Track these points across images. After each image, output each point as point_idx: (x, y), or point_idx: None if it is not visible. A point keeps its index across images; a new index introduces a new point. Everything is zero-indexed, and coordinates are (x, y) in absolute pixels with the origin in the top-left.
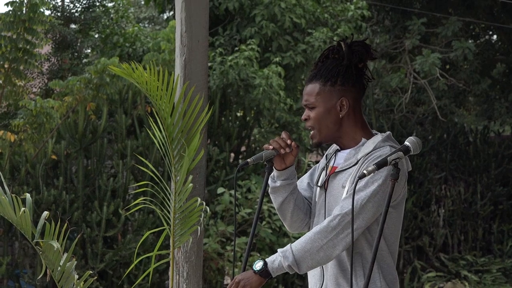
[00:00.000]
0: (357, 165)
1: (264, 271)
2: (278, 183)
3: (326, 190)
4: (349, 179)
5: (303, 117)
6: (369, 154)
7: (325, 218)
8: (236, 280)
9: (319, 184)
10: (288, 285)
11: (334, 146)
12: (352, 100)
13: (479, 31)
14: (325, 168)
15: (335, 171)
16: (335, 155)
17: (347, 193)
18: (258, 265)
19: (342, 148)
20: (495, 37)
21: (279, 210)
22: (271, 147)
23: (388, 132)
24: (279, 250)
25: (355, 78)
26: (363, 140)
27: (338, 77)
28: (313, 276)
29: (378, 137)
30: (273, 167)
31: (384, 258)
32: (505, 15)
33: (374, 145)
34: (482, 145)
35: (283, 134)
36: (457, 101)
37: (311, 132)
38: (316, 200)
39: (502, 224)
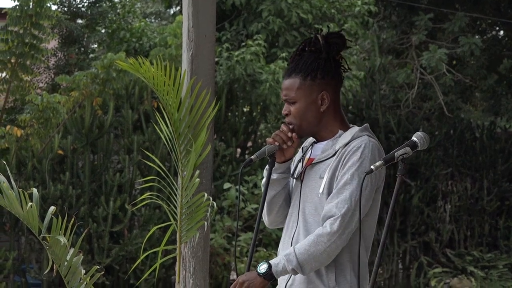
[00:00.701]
0: (335, 156)
1: (268, 274)
2: (275, 176)
3: (302, 181)
4: (327, 170)
5: (283, 111)
6: (347, 145)
7: (299, 209)
8: (240, 281)
9: (295, 176)
10: None
11: (310, 139)
12: (332, 93)
13: (486, 26)
14: (301, 160)
15: (312, 162)
16: (312, 147)
17: (335, 187)
18: (262, 267)
19: (319, 140)
20: (502, 32)
21: (268, 204)
22: (277, 143)
23: (365, 124)
24: (282, 253)
25: (334, 70)
26: (340, 131)
27: (317, 70)
28: None
29: (355, 128)
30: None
31: (357, 252)
32: None
33: (352, 136)
34: (489, 141)
35: (283, 127)
36: (463, 97)
37: (291, 126)
38: (292, 191)
39: (508, 220)
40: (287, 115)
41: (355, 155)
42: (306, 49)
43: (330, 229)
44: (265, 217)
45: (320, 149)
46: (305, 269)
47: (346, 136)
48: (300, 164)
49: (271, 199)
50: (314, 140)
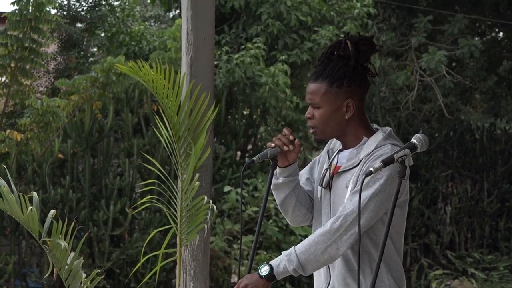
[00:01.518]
0: (360, 165)
1: (271, 276)
2: (280, 180)
3: (330, 190)
4: (351, 180)
5: (307, 115)
6: (370, 154)
7: (330, 218)
8: (242, 285)
9: (323, 185)
10: (295, 283)
11: (334, 141)
12: (358, 100)
13: (485, 28)
14: (328, 169)
15: (339, 171)
16: (338, 154)
17: (349, 193)
18: (264, 269)
19: (344, 145)
20: (501, 34)
21: (281, 206)
22: (272, 144)
23: (389, 129)
24: (283, 253)
25: (361, 77)
26: (365, 138)
27: (344, 78)
28: (319, 275)
29: (379, 135)
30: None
31: (391, 256)
32: (511, 12)
33: (376, 144)
34: (489, 143)
35: (285, 131)
36: (463, 99)
37: (313, 129)
38: (320, 199)
39: (509, 221)
40: (310, 118)
41: (374, 163)
42: (335, 53)
43: (330, 227)
44: (285, 216)
45: (345, 157)
46: (306, 269)
47: (370, 144)
48: (327, 173)
49: (282, 201)
50: (340, 148)
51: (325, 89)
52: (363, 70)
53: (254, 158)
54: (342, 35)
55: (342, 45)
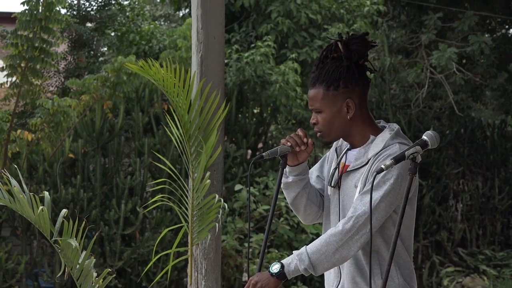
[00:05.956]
0: (368, 164)
1: (281, 274)
2: (290, 179)
3: (339, 189)
4: (360, 179)
5: (311, 120)
6: (378, 154)
7: (339, 217)
8: (252, 282)
9: (332, 185)
10: (306, 281)
11: (344, 142)
12: (358, 99)
13: (495, 25)
14: (337, 168)
15: (347, 170)
16: (346, 153)
17: (359, 193)
18: (275, 267)
19: (352, 145)
20: (511, 31)
21: (292, 205)
22: (288, 143)
23: (396, 128)
24: (294, 252)
25: (357, 76)
26: (372, 137)
27: (340, 80)
28: (329, 274)
29: (386, 134)
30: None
31: (400, 254)
32: None
33: (384, 144)
34: (500, 139)
35: (299, 131)
36: (474, 96)
37: (319, 134)
38: (330, 197)
39: None
40: (315, 124)
41: (383, 163)
42: (329, 56)
43: (342, 228)
44: (297, 215)
45: (354, 156)
46: (317, 269)
47: (378, 143)
48: (336, 172)
49: (293, 200)
50: (348, 147)
51: (323, 93)
52: (359, 68)
53: (264, 153)
54: (334, 38)
55: (333, 47)
